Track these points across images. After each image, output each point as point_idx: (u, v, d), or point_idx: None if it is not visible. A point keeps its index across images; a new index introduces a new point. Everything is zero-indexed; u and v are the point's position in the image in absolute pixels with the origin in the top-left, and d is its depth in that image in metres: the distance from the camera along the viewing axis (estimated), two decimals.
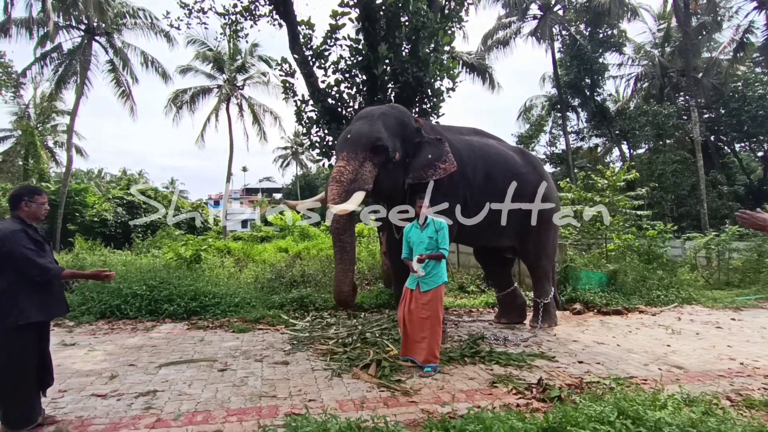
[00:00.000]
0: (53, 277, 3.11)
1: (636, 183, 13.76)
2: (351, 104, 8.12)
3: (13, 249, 2.93)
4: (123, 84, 22.18)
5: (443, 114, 8.15)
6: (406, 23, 7.50)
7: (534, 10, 24.70)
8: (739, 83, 22.96)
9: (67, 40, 20.80)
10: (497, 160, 6.11)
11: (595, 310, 7.92)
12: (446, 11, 8.39)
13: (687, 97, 23.55)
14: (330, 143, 8.19)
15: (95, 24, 20.42)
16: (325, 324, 6.59)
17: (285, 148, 50.29)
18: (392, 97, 7.78)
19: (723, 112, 23.95)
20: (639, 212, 13.01)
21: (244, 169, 62.53)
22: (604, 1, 21.86)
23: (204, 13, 9.76)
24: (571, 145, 26.62)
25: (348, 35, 7.81)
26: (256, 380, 4.18)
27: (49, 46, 20.01)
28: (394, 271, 5.76)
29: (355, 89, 8.03)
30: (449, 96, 8.08)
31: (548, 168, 27.44)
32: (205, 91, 27.62)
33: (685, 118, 22.96)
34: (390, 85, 7.76)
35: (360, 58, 7.61)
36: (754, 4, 19.96)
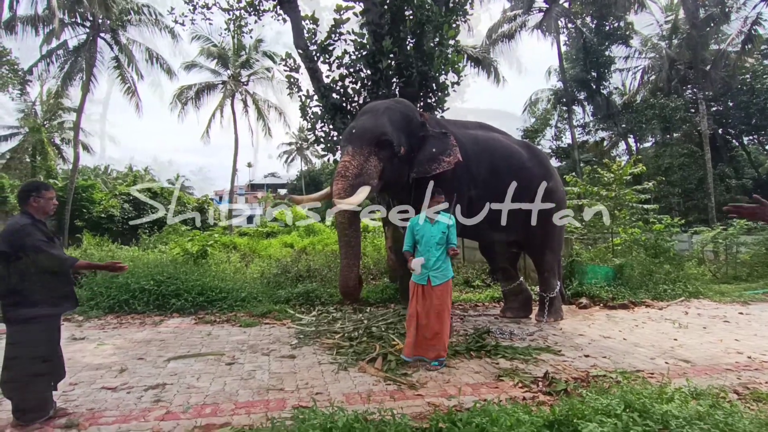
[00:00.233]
0: (68, 267, 3.16)
1: (642, 177, 13.64)
2: (356, 99, 8.10)
3: (26, 242, 2.98)
4: (128, 80, 22.26)
5: (448, 108, 8.13)
6: (411, 17, 7.47)
7: (539, 2, 24.44)
8: (748, 75, 22.68)
9: (73, 37, 20.91)
10: (503, 154, 6.09)
11: (602, 305, 7.90)
12: (451, 4, 8.33)
13: (695, 90, 23.31)
14: (335, 138, 8.18)
15: (100, 20, 20.47)
16: (331, 318, 6.63)
17: (290, 143, 50.37)
18: (397, 92, 7.76)
19: (731, 104, 23.69)
20: (645, 206, 12.92)
21: (249, 165, 62.65)
22: None
23: (208, 8, 9.78)
24: (577, 139, 26.41)
25: (352, 29, 7.79)
26: (263, 374, 4.21)
27: (54, 43, 20.11)
28: (399, 266, 5.77)
29: (359, 84, 8.00)
30: (454, 90, 8.05)
31: (554, 162, 27.31)
32: (209, 87, 27.69)
33: (693, 111, 22.74)
34: (395, 80, 7.73)
35: (364, 53, 7.59)
36: None
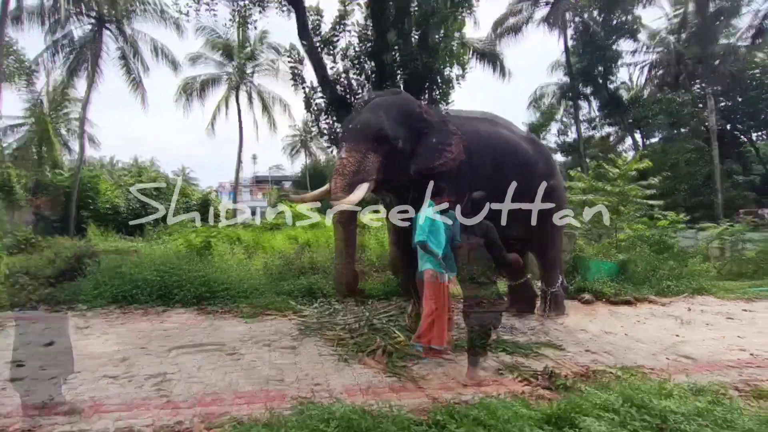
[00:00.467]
0: None
1: (648, 172, 13.52)
2: (360, 92, 8.07)
3: None
4: (134, 72, 22.25)
5: (453, 101, 8.08)
6: (416, 10, 7.41)
7: None
8: (757, 70, 22.37)
9: (78, 28, 20.91)
10: (506, 150, 6.03)
11: (605, 300, 7.86)
12: None
13: (703, 85, 22.99)
14: (338, 131, 8.17)
15: (105, 11, 20.46)
16: (333, 311, 6.64)
17: (294, 136, 50.22)
18: (401, 85, 7.71)
19: (740, 100, 23.39)
20: (651, 202, 12.82)
21: (254, 158, 62.65)
22: None
23: (213, 0, 9.71)
24: (583, 134, 26.18)
25: (357, 21, 7.75)
26: (264, 365, 4.24)
27: (59, 33, 20.12)
28: (402, 261, 5.73)
29: (363, 77, 7.97)
30: (458, 84, 7.99)
31: (559, 157, 27.16)
32: (215, 79, 27.63)
33: (701, 106, 22.47)
34: (399, 73, 7.69)
35: (369, 45, 7.54)
36: None
